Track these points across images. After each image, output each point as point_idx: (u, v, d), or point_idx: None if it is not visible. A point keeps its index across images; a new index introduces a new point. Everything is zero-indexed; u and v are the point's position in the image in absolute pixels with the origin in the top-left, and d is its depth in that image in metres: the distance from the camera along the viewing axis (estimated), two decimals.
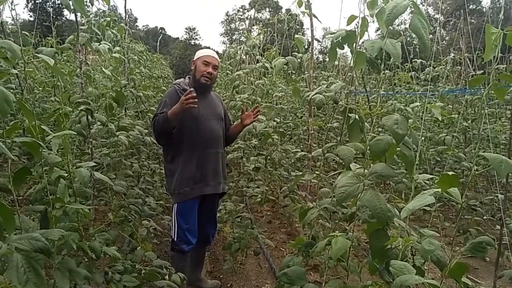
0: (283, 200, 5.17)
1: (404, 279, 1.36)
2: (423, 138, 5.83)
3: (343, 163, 2.17)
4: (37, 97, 5.76)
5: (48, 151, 2.37)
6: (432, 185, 3.51)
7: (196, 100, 3.03)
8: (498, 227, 3.99)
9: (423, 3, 42.04)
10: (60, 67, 6.34)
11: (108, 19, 4.30)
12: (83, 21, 4.14)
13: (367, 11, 2.26)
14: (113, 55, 4.32)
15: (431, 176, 2.01)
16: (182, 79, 3.55)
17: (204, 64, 3.39)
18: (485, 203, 5.41)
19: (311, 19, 3.26)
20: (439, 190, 1.42)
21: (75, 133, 2.24)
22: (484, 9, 37.40)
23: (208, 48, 4.19)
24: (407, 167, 2.15)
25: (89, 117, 3.23)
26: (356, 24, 2.35)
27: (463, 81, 6.52)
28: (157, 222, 4.23)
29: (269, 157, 4.12)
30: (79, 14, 3.60)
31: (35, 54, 2.02)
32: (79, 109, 2.90)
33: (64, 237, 2.17)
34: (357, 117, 2.34)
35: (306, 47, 5.59)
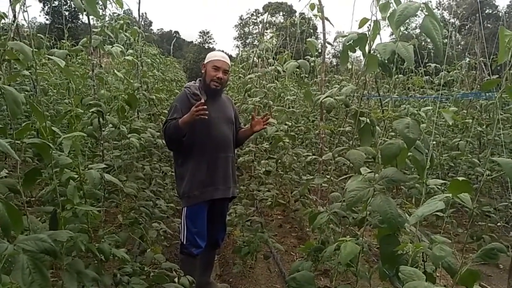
0: (294, 204, 5.15)
1: (413, 285, 1.33)
2: (435, 142, 5.77)
3: (354, 167, 2.14)
4: (51, 99, 5.82)
5: (59, 153, 2.38)
6: (445, 190, 3.46)
7: (206, 112, 3.03)
8: None
9: (438, 7, 41.75)
10: (73, 70, 6.39)
11: (122, 22, 4.33)
12: (97, 24, 4.19)
13: (379, 14, 2.24)
14: (126, 57, 4.34)
15: (443, 181, 1.96)
16: (192, 82, 3.54)
17: (214, 69, 3.38)
18: (499, 209, 5.33)
19: (323, 22, 3.25)
20: (450, 195, 1.39)
21: (84, 134, 2.24)
22: (500, 13, 37.01)
23: (220, 51, 4.19)
24: (419, 171, 2.12)
25: (101, 119, 3.25)
26: (368, 27, 2.32)
27: (478, 86, 6.45)
28: (168, 224, 4.23)
29: (279, 161, 4.09)
30: (92, 17, 3.65)
31: (47, 56, 2.02)
32: (91, 111, 2.91)
33: (73, 239, 2.18)
34: (368, 121, 2.32)
35: (319, 51, 5.58)
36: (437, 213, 4.47)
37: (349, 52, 2.44)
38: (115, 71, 3.58)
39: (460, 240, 5.36)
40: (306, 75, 7.30)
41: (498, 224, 4.65)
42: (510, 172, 1.32)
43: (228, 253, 4.54)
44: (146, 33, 6.53)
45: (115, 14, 5.27)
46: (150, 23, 75.60)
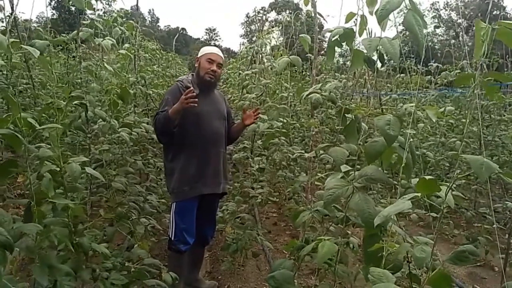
0: (288, 202, 5.10)
1: (382, 287, 1.28)
2: (434, 142, 5.70)
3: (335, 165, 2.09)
4: (50, 93, 5.79)
5: (41, 145, 2.35)
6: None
7: (196, 99, 2.99)
8: None
9: (446, 8, 41.50)
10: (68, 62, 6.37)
11: (115, 15, 4.29)
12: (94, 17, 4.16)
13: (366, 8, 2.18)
14: (120, 51, 4.30)
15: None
16: (185, 76, 3.51)
17: (208, 61, 3.34)
18: (498, 211, 5.25)
19: (315, 18, 3.19)
20: (418, 194, 1.34)
21: (60, 127, 2.20)
22: (508, 15, 36.70)
23: (215, 46, 4.16)
24: (404, 170, 2.07)
25: (88, 112, 3.21)
26: (354, 21, 2.27)
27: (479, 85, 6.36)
28: (159, 220, 4.19)
29: (270, 158, 4.04)
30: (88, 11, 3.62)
31: (22, 46, 1.98)
32: (73, 103, 2.87)
33: (47, 233, 2.14)
34: (353, 117, 2.26)
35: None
36: (432, 214, 4.40)
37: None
38: (105, 64, 3.53)
39: (457, 242, 5.30)
40: (307, 72, 7.26)
41: (494, 226, 4.56)
42: (477, 169, 1.27)
43: (219, 250, 4.50)
44: (144, 28, 6.50)
45: (121, 9, 5.24)
46: (158, 19, 75.80)
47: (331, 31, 2.32)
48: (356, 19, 2.26)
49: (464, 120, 5.28)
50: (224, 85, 9.89)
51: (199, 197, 3.34)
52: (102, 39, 3.65)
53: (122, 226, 3.54)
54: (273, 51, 4.96)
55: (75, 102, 2.88)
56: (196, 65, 3.44)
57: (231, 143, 3.83)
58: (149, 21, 71.43)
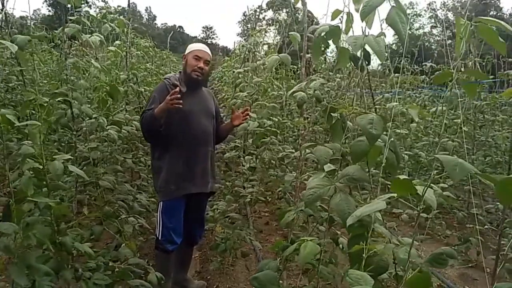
0: (280, 201, 5.07)
1: None
2: (428, 143, 5.68)
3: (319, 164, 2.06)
4: (43, 90, 5.75)
5: (25, 143, 2.31)
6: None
7: (181, 101, 2.95)
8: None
9: (443, 8, 41.51)
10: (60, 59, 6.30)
11: (104, 11, 4.25)
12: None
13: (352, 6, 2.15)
14: (109, 48, 4.26)
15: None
16: (173, 74, 3.47)
17: (195, 58, 3.30)
18: (491, 211, 5.24)
19: (304, 16, 3.16)
20: (394, 195, 1.31)
21: (38, 123, 2.16)
22: (505, 15, 36.77)
23: (202, 42, 4.12)
24: (390, 170, 2.04)
25: (74, 109, 3.17)
26: (340, 19, 2.24)
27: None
28: (149, 219, 4.16)
29: (259, 157, 4.01)
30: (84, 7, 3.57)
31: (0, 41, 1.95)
32: (56, 100, 2.83)
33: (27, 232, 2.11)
34: (339, 116, 2.23)
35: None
36: (423, 214, 4.37)
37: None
38: (93, 61, 3.48)
39: (449, 242, 5.27)
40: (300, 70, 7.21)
41: (486, 226, 4.54)
42: (451, 171, 1.24)
43: (209, 250, 4.47)
44: (136, 25, 6.45)
45: (118, 6, 5.20)
46: (155, 17, 75.66)
47: (316, 29, 2.30)
48: (341, 17, 2.24)
49: (457, 120, 5.25)
50: (218, 83, 9.85)
51: (187, 196, 3.30)
52: (89, 35, 3.62)
53: (110, 225, 3.51)
54: (280, 52, 4.92)
55: (59, 99, 2.83)
56: (183, 62, 3.40)
57: (220, 142, 3.79)
58: (146, 18, 71.34)
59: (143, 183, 4.88)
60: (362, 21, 1.80)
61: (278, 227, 5.45)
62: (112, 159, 4.09)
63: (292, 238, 2.54)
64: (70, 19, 3.47)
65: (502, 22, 1.23)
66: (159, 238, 3.29)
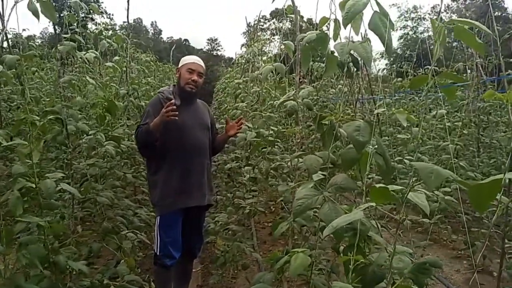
0: (282, 211, 5.02)
1: None
2: (433, 146, 5.61)
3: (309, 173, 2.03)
4: (45, 108, 5.78)
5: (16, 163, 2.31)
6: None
7: (176, 112, 2.93)
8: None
9: (447, 11, 41.41)
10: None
11: (101, 28, 4.27)
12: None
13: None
14: (106, 64, 4.28)
15: (401, 187, 1.83)
16: (166, 87, 3.46)
17: (189, 71, 3.29)
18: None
19: (296, 24, 3.14)
20: (373, 204, 1.27)
21: (25, 143, 2.15)
22: (510, 15, 36.57)
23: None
24: (382, 176, 2.01)
25: (70, 126, 3.17)
26: (327, 26, 2.22)
27: (476, 87, 6.27)
28: (149, 234, 4.13)
29: (256, 167, 3.98)
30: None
31: None
32: (48, 118, 2.82)
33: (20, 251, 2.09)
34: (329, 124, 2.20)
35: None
36: (424, 220, 4.28)
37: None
38: (88, 78, 3.49)
39: (455, 247, 5.20)
40: (305, 79, 7.19)
41: (489, 230, 4.46)
42: (426, 178, 1.20)
43: (211, 263, 4.44)
44: (135, 40, 6.48)
45: (124, 23, 5.22)
46: (160, 31, 76.05)
47: (304, 36, 2.28)
48: (328, 24, 2.22)
49: (458, 123, 5.19)
50: (222, 95, 9.86)
51: (184, 210, 3.27)
52: (85, 52, 3.63)
53: (109, 242, 3.49)
54: (285, 61, 4.91)
55: (50, 116, 2.83)
56: (176, 75, 3.40)
57: (216, 153, 3.77)
58: (152, 33, 71.85)
59: (144, 197, 4.87)
60: (345, 28, 1.77)
61: (282, 238, 5.39)
62: (112, 175, 4.08)
63: (287, 249, 2.50)
64: (64, 37, 3.48)
65: (475, 22, 1.20)
66: (157, 253, 3.25)
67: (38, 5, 2.44)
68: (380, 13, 1.71)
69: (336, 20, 2.19)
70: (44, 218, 2.39)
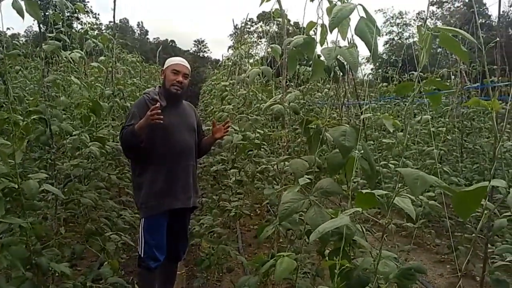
0: (268, 214, 5.03)
1: None
2: (417, 151, 5.67)
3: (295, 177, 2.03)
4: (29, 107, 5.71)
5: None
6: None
7: (161, 116, 2.91)
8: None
9: (432, 17, 41.87)
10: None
11: (86, 26, 4.24)
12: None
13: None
14: (92, 64, 4.24)
15: (387, 192, 1.84)
16: (152, 88, 3.43)
17: (174, 73, 3.27)
18: (480, 219, 5.21)
19: (283, 27, 3.15)
20: (359, 209, 1.28)
21: (7, 142, 2.12)
22: (493, 23, 37.06)
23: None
24: (367, 180, 2.02)
25: (54, 126, 3.14)
26: (314, 31, 2.23)
27: (460, 93, 6.35)
28: (134, 235, 4.10)
29: (242, 170, 3.98)
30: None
31: None
32: (31, 118, 2.79)
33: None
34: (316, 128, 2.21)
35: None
36: (408, 224, 4.30)
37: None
38: (73, 78, 3.45)
39: (439, 251, 5.25)
40: (291, 83, 7.23)
41: (473, 234, 4.51)
42: (412, 184, 1.21)
43: (195, 266, 4.41)
44: (120, 40, 6.44)
45: (110, 23, 5.18)
46: (147, 32, 75.70)
47: (291, 40, 2.28)
48: (315, 29, 2.23)
49: (442, 129, 5.25)
50: (208, 97, 9.84)
51: (169, 212, 3.25)
52: (70, 52, 3.60)
53: (93, 243, 3.45)
54: (272, 64, 4.91)
55: (34, 116, 2.80)
56: (162, 77, 3.37)
57: (202, 155, 3.75)
58: (138, 33, 71.45)
59: (128, 199, 4.83)
60: (331, 32, 1.78)
61: (267, 241, 5.40)
62: (96, 176, 4.04)
63: (272, 252, 2.50)
64: (49, 36, 3.44)
65: (461, 31, 1.21)
66: (142, 255, 3.21)
67: (22, 3, 2.41)
68: (367, 19, 1.72)
69: (323, 25, 2.20)
70: (27, 219, 2.36)
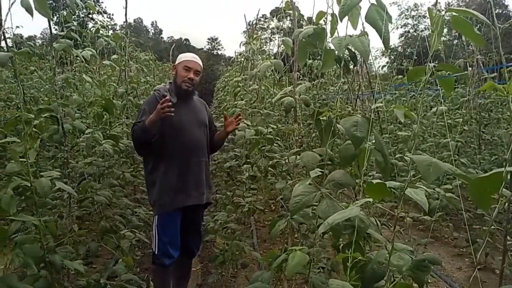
0: (282, 209, 4.98)
1: None
2: (432, 144, 5.58)
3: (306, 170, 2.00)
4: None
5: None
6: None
7: (172, 109, 2.90)
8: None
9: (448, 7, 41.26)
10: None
11: (98, 26, 4.24)
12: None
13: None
14: (104, 62, 4.25)
15: (400, 183, 1.80)
16: (163, 85, 3.42)
17: (185, 69, 3.25)
18: (500, 211, 5.11)
19: (294, 20, 3.11)
20: (370, 200, 1.24)
21: (18, 141, 2.12)
22: (510, 13, 36.43)
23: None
24: (382, 173, 1.97)
25: (66, 125, 3.15)
26: (324, 21, 2.19)
27: (477, 84, 6.23)
28: (149, 232, 4.11)
29: (255, 165, 3.95)
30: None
31: None
32: (43, 116, 2.79)
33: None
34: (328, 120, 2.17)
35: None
36: (425, 217, 4.22)
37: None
38: (84, 76, 3.46)
39: (457, 245, 5.16)
40: (305, 77, 7.17)
41: (492, 227, 4.42)
42: (425, 171, 1.17)
43: (210, 262, 4.41)
44: (132, 38, 6.44)
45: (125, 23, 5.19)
46: (161, 31, 76.00)
47: (301, 31, 2.24)
48: (326, 19, 2.19)
49: (459, 120, 5.16)
50: (221, 94, 9.83)
51: (182, 208, 3.23)
52: (81, 50, 3.60)
53: (108, 241, 3.46)
54: (286, 60, 4.87)
55: (46, 115, 2.80)
56: (173, 73, 3.36)
57: (215, 151, 3.73)
58: (152, 33, 71.80)
59: (143, 196, 4.84)
60: (341, 20, 1.74)
61: (282, 236, 5.36)
62: (110, 174, 4.05)
63: (285, 247, 2.47)
64: (60, 35, 3.45)
65: (475, 12, 1.17)
66: (156, 252, 3.21)
67: (31, 1, 2.40)
68: (377, 5, 1.68)
69: (333, 14, 2.16)
70: (41, 217, 2.36)
